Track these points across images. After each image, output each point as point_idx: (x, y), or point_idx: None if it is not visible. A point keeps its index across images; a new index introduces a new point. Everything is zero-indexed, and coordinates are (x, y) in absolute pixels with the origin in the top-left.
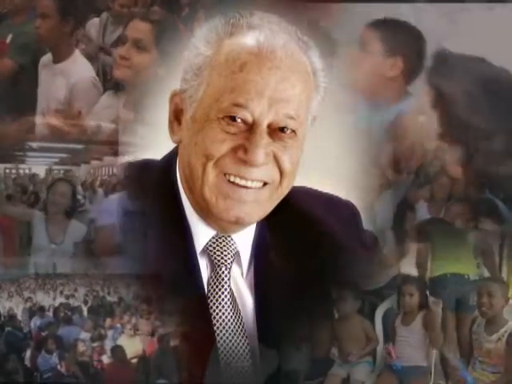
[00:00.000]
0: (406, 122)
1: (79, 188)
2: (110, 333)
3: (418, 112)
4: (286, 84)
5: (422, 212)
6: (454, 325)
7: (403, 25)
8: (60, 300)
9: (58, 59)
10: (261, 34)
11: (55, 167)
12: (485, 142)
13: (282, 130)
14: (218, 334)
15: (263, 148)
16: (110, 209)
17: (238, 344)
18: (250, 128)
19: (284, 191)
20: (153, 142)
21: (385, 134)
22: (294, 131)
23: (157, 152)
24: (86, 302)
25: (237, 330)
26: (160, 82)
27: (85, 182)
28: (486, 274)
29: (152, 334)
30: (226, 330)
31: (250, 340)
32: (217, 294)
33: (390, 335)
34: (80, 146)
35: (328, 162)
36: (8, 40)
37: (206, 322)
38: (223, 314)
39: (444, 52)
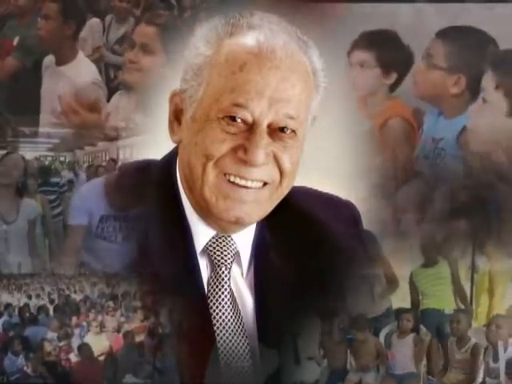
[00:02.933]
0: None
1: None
2: (76, 331)
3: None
4: (286, 84)
5: None
6: (436, 347)
7: (473, 33)
8: (25, 300)
9: (61, 62)
10: (261, 33)
11: (49, 153)
12: None
13: (282, 129)
14: (218, 334)
15: (263, 148)
16: (82, 208)
17: (238, 344)
18: (250, 128)
19: (284, 191)
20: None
21: (456, 143)
22: (294, 131)
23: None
24: (51, 301)
25: (237, 330)
26: (167, 82)
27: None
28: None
29: (118, 331)
30: (226, 330)
31: (250, 340)
32: (217, 294)
33: (387, 346)
34: (73, 131)
35: (328, 162)
36: (15, 42)
37: (206, 322)
38: (223, 314)
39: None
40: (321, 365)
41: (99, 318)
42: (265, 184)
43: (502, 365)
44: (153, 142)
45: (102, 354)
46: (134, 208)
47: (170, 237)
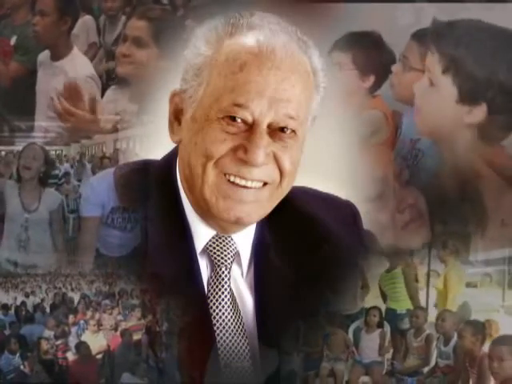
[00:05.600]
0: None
1: (67, 165)
2: (73, 329)
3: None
4: (286, 84)
5: None
6: (399, 340)
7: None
8: (21, 298)
9: (56, 57)
10: (261, 33)
11: (46, 148)
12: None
13: (282, 130)
14: (218, 334)
15: (263, 148)
16: (94, 200)
17: (238, 344)
18: (250, 128)
19: (284, 191)
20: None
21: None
22: (294, 131)
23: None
24: (48, 300)
25: (237, 330)
26: (161, 76)
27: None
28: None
29: (115, 329)
30: (226, 330)
31: (250, 340)
32: (217, 294)
33: (357, 341)
34: (68, 125)
35: (328, 162)
36: (12, 42)
37: (206, 321)
38: (223, 314)
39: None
40: (300, 353)
41: (96, 316)
42: (265, 184)
43: (450, 349)
44: (149, 135)
45: (99, 353)
46: (138, 208)
47: (170, 237)
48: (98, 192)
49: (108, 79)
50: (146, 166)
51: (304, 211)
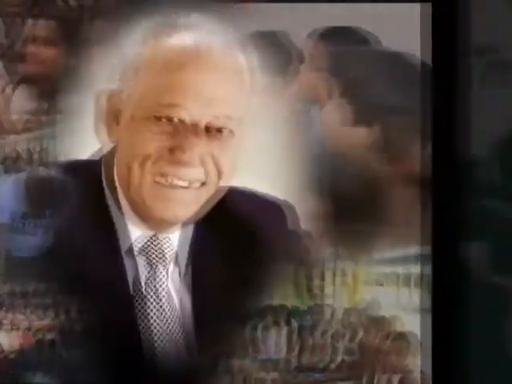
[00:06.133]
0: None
1: None
2: None
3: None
4: (223, 84)
5: None
6: (306, 336)
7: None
8: None
9: None
10: (198, 34)
11: None
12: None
13: (220, 130)
14: (156, 334)
15: (200, 148)
16: (3, 207)
17: (176, 344)
18: (187, 128)
19: (221, 191)
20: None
21: None
22: (231, 131)
23: None
24: None
25: (174, 330)
26: (71, 75)
27: None
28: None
29: (28, 329)
30: (164, 330)
31: (188, 340)
32: (154, 293)
33: (265, 338)
34: None
35: (266, 163)
36: None
37: (131, 322)
38: (161, 313)
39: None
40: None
41: (10, 316)
42: (202, 184)
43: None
44: (62, 134)
45: (12, 352)
46: (51, 209)
47: (100, 237)
48: (6, 197)
49: (18, 80)
50: (63, 167)
51: (238, 212)
